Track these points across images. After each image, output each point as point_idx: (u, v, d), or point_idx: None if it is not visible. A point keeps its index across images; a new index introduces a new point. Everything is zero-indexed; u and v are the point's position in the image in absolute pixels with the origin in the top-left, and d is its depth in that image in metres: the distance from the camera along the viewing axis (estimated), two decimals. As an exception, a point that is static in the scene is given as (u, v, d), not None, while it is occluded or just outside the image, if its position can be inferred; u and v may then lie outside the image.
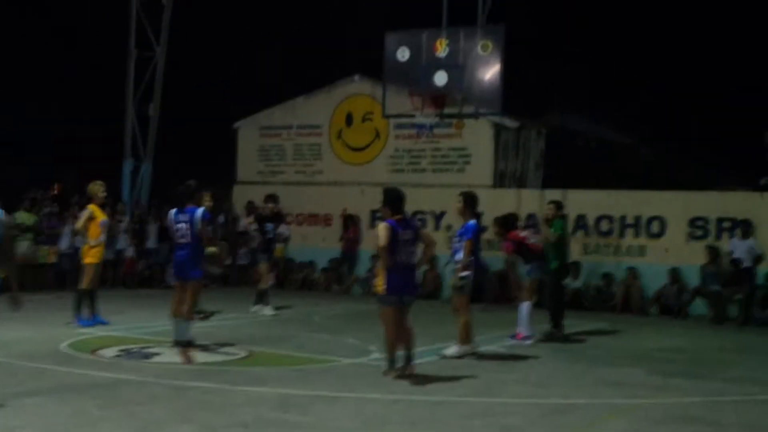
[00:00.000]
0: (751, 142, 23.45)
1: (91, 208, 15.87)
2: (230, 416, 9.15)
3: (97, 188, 16.05)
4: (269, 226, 18.70)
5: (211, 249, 14.05)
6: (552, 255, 16.05)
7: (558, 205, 16.61)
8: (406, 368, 11.60)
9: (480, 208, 13.79)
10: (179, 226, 13.18)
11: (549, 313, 16.23)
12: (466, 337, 13.46)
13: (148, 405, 9.56)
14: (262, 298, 18.66)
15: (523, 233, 16.03)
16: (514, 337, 15.29)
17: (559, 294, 16.51)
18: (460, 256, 13.38)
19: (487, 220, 22.17)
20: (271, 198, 19.05)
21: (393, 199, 11.74)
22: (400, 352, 11.60)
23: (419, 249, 11.84)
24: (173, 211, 13.36)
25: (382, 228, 11.48)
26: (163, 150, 27.56)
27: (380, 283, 11.52)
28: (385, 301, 11.51)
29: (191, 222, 13.08)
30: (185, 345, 13.20)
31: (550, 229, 16.18)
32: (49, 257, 22.04)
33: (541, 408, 10.08)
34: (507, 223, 16.01)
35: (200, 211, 13.15)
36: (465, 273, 13.34)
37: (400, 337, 11.62)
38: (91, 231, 15.77)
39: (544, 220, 16.65)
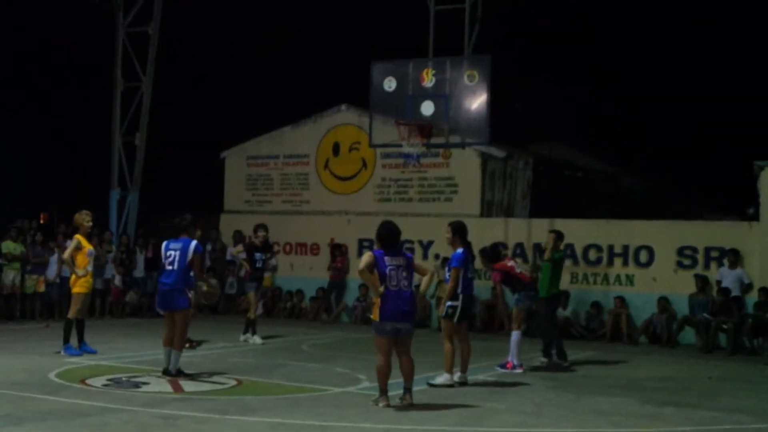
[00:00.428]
0: (738, 171, 23.51)
1: (78, 237, 15.82)
2: (221, 445, 9.09)
3: (83, 218, 15.98)
4: (258, 255, 18.68)
5: (203, 286, 14.11)
6: (544, 283, 16.07)
7: (558, 235, 16.63)
8: (404, 398, 11.55)
9: (468, 238, 13.81)
10: (170, 253, 13.45)
11: (544, 344, 16.26)
12: (452, 366, 13.42)
13: (138, 434, 9.49)
14: (250, 327, 18.61)
15: (510, 263, 16.01)
16: (503, 366, 15.26)
17: (552, 322, 16.53)
18: None
19: (475, 249, 22.24)
20: (262, 227, 19.03)
21: (383, 235, 11.77)
22: (392, 381, 11.55)
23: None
24: (167, 241, 13.60)
25: (365, 255, 11.58)
26: (149, 180, 27.51)
27: (375, 311, 11.50)
28: (379, 330, 11.46)
29: (182, 251, 13.31)
30: (175, 374, 13.29)
31: (553, 255, 16.24)
32: (37, 286, 21.93)
33: (533, 437, 10.04)
34: (493, 254, 16.02)
35: (194, 243, 13.51)
36: (451, 303, 13.38)
37: (401, 367, 11.57)
38: (78, 261, 15.72)
39: (548, 243, 16.58)
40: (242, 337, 18.54)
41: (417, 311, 11.79)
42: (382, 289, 11.34)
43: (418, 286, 12.62)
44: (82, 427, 9.73)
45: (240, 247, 20.12)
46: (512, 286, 15.71)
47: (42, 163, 31.29)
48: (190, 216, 13.95)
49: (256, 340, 18.36)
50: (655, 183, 31.15)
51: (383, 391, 11.51)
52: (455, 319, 13.39)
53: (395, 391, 11.53)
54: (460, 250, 13.52)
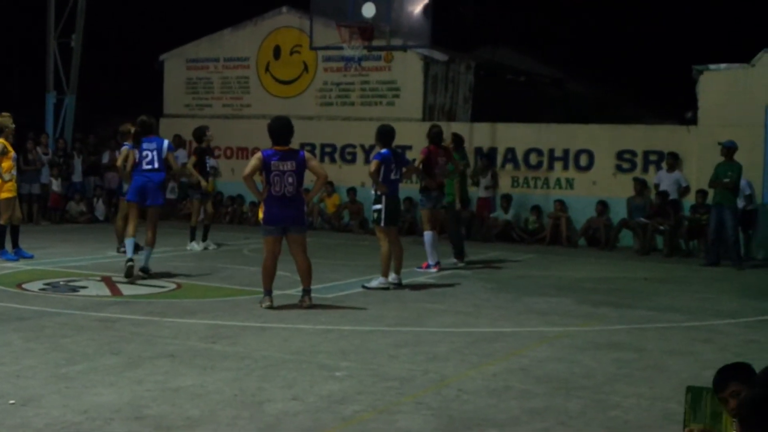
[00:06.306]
0: (677, 75, 23.62)
1: (1, 141, 15.41)
2: (158, 347, 9.08)
3: (6, 120, 15.59)
4: (209, 160, 18.39)
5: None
6: (449, 188, 16.17)
7: (455, 137, 17.11)
8: (302, 300, 11.72)
9: (410, 142, 13.81)
10: (146, 153, 13.83)
11: (452, 245, 16.79)
12: (385, 269, 13.50)
13: (75, 337, 9.45)
14: (206, 233, 18.58)
15: (441, 159, 15.70)
16: (420, 267, 15.53)
17: (457, 226, 17.01)
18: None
19: (417, 153, 22.19)
20: (208, 128, 18.77)
21: (272, 129, 11.82)
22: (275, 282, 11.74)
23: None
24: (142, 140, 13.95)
25: (252, 158, 11.62)
26: (87, 83, 26.99)
27: (260, 213, 11.71)
28: (264, 231, 11.62)
29: (158, 150, 13.85)
30: (147, 271, 13.73)
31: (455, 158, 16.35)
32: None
33: (469, 336, 10.14)
34: (435, 136, 15.77)
35: (166, 142, 14.17)
36: (375, 206, 13.52)
37: (297, 269, 11.75)
38: (4, 165, 15.36)
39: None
40: (199, 245, 18.28)
41: (304, 213, 11.74)
42: (265, 193, 11.42)
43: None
44: (18, 331, 9.66)
45: (194, 158, 18.50)
46: (422, 184, 15.61)
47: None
48: (147, 116, 14.33)
49: (195, 247, 18.21)
50: (601, 88, 31.17)
51: (266, 291, 11.60)
52: (381, 223, 13.44)
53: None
54: (376, 154, 13.67)
